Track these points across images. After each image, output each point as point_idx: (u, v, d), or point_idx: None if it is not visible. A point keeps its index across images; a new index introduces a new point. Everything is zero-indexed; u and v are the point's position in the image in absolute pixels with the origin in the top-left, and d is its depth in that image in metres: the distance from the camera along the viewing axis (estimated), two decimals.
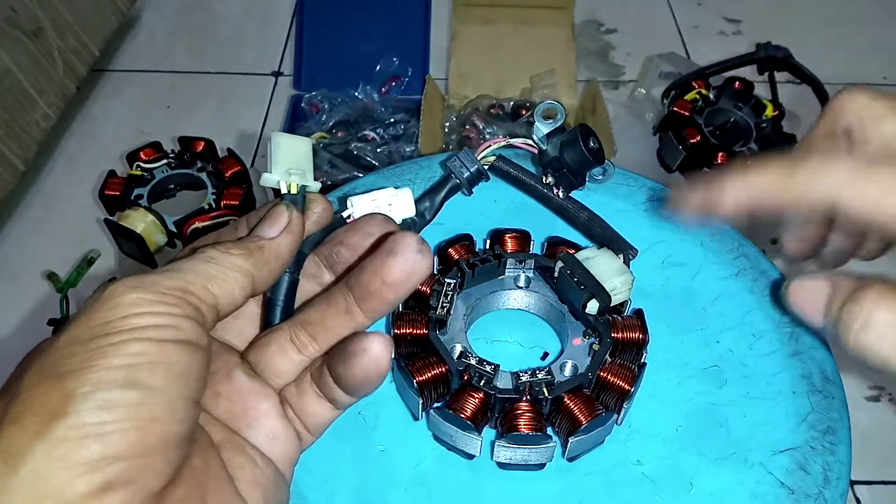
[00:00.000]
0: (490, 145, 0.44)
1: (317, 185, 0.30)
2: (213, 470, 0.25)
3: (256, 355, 0.28)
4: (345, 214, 0.32)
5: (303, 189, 0.29)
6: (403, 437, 0.39)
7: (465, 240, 0.44)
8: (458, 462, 0.38)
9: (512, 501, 0.37)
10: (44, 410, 0.20)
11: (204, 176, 0.87)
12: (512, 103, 1.01)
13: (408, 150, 0.96)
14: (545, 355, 0.43)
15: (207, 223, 0.80)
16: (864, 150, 0.33)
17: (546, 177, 0.44)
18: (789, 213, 0.34)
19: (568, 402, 0.36)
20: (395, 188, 0.34)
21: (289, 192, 0.29)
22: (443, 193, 0.43)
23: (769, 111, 0.97)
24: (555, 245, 0.44)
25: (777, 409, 0.40)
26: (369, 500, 0.37)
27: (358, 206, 0.33)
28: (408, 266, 0.26)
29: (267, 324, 0.29)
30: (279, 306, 0.29)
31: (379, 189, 0.34)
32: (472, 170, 0.43)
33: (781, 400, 0.40)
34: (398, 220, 0.33)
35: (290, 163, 0.30)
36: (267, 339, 0.28)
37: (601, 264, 0.40)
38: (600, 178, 0.46)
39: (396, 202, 0.33)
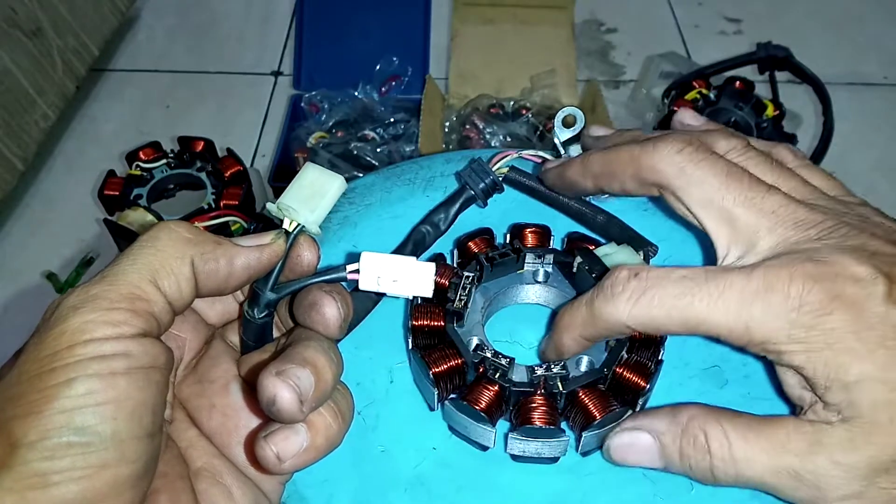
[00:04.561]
0: (503, 157, 0.44)
1: (317, 231, 0.28)
2: None
3: (247, 374, 0.28)
4: (350, 268, 0.28)
5: (299, 228, 0.28)
6: (403, 437, 0.39)
7: (485, 233, 0.44)
8: (458, 464, 0.38)
9: (511, 499, 0.37)
10: None
11: (203, 176, 0.86)
12: (512, 103, 1.01)
13: (408, 149, 0.96)
14: None
15: (207, 223, 0.80)
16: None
17: None
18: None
19: (582, 396, 0.36)
20: (417, 259, 0.29)
21: (288, 227, 0.28)
22: (458, 205, 0.44)
23: (770, 111, 0.97)
24: (575, 241, 0.44)
25: (778, 409, 0.40)
26: (369, 501, 0.37)
27: (367, 265, 0.28)
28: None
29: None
30: (250, 347, 0.29)
31: (399, 255, 0.29)
32: (486, 181, 0.44)
33: (782, 400, 0.40)
34: (407, 296, 0.28)
35: (305, 197, 0.28)
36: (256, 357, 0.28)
37: (620, 261, 0.40)
38: (604, 196, 0.46)
39: (410, 275, 0.28)
